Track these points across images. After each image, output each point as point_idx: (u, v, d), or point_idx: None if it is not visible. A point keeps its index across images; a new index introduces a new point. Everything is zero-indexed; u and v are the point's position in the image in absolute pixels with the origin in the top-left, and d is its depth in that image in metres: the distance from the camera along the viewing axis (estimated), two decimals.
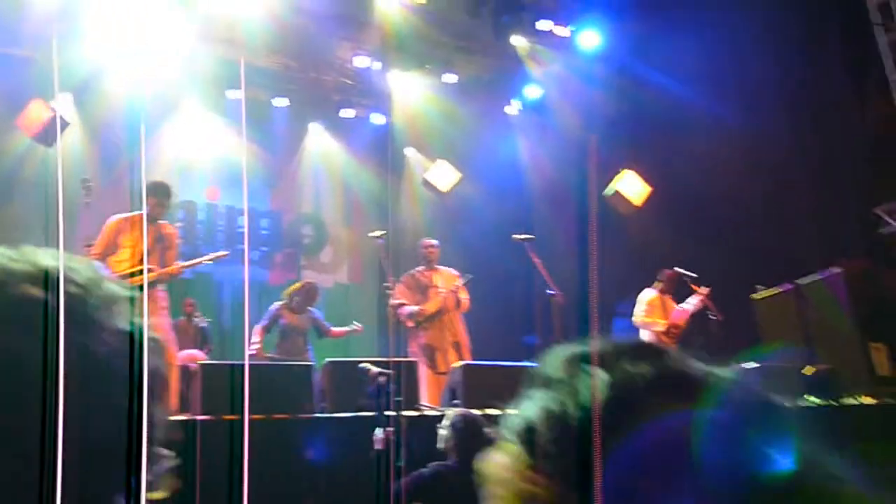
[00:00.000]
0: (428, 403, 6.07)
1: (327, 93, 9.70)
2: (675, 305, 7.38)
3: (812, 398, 5.26)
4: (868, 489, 0.55)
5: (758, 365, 5.24)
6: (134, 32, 7.55)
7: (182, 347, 6.97)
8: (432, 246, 7.18)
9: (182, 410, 5.00)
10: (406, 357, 6.66)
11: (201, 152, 9.05)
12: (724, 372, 0.60)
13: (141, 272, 5.29)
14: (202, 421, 4.52)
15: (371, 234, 6.93)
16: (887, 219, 7.90)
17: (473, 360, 6.54)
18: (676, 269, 7.30)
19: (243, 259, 9.11)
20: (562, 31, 8.94)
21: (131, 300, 0.55)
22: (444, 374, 6.55)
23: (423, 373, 6.60)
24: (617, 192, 8.02)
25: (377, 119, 10.00)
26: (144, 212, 5.69)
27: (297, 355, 6.94)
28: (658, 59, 8.18)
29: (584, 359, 0.60)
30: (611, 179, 8.04)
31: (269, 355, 7.03)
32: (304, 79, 9.40)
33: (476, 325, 7.29)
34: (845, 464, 0.56)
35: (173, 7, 7.65)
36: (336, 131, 10.00)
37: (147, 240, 5.62)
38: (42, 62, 7.33)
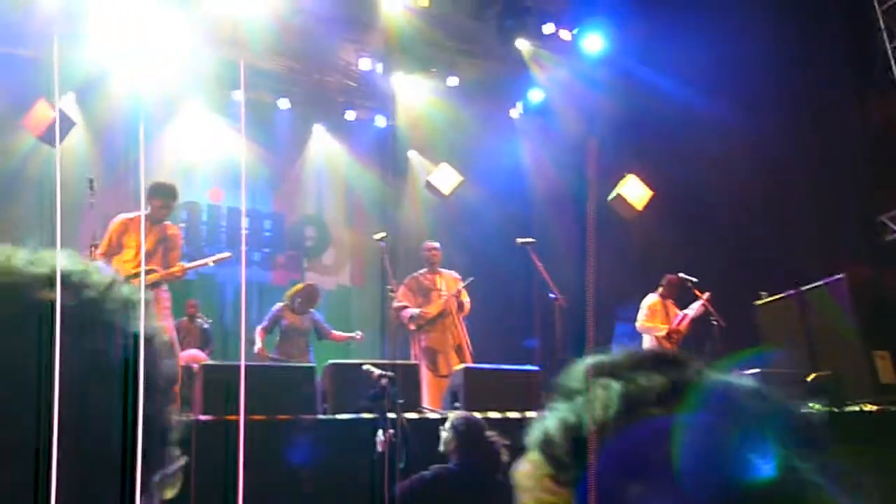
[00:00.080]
0: (429, 406, 6.07)
1: (331, 95, 9.72)
2: (677, 310, 7.37)
3: (815, 405, 5.25)
4: (847, 498, 0.55)
5: (759, 371, 5.23)
6: (138, 33, 7.57)
7: (184, 348, 6.98)
8: (435, 249, 7.18)
9: (183, 411, 5.00)
10: (408, 360, 6.66)
11: (204, 153, 9.07)
12: (743, 382, 0.60)
13: (147, 272, 5.30)
14: (203, 421, 4.53)
15: (374, 237, 6.93)
16: (892, 226, 7.89)
17: (475, 363, 6.54)
18: (679, 273, 7.29)
19: (247, 260, 9.10)
20: (565, 34, 8.95)
21: (145, 304, 0.56)
22: (445, 377, 6.55)
23: (425, 376, 6.60)
24: (619, 196, 8.02)
25: (380, 121, 10.01)
26: (143, 212, 5.69)
27: (297, 357, 6.94)
28: (661, 63, 8.18)
29: (603, 370, 0.60)
30: (614, 184, 8.03)
31: (270, 356, 7.03)
32: (308, 81, 9.42)
33: (478, 329, 7.29)
34: (834, 473, 0.55)
35: (177, 8, 7.67)
36: (339, 133, 10.01)
37: (151, 240, 5.62)
38: (47, 62, 7.35)
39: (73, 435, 0.47)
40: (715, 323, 6.93)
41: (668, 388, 0.57)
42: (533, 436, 0.61)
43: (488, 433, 4.22)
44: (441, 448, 4.24)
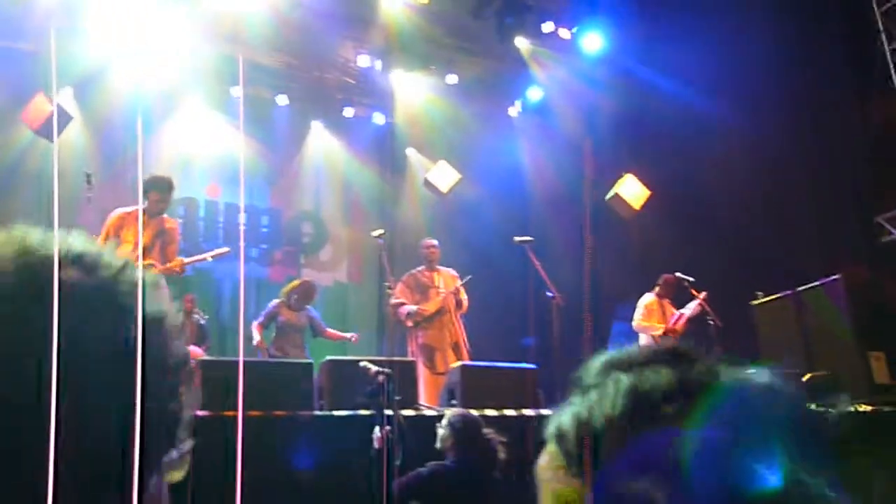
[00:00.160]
0: (426, 403, 6.08)
1: (330, 91, 9.71)
2: (673, 310, 7.38)
3: (810, 405, 5.25)
4: None
5: (755, 371, 5.23)
6: (137, 28, 7.56)
7: None
8: (433, 246, 7.18)
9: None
10: (405, 357, 6.66)
11: (203, 149, 9.06)
12: (757, 379, 0.60)
13: (145, 267, 5.29)
14: (200, 417, 4.53)
15: (372, 234, 6.94)
16: (889, 227, 7.91)
17: (472, 360, 6.55)
18: (676, 273, 7.31)
19: (244, 256, 9.11)
20: (565, 33, 8.95)
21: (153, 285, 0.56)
22: (442, 374, 6.56)
23: (422, 373, 6.61)
24: (617, 196, 8.03)
25: (379, 119, 10.01)
26: (140, 207, 5.68)
27: (293, 353, 6.95)
28: (660, 63, 8.19)
29: (616, 365, 0.61)
30: (612, 183, 8.04)
31: (269, 348, 7.04)
32: (307, 77, 9.41)
33: (475, 326, 7.30)
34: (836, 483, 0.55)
35: (176, 3, 7.66)
36: (338, 130, 10.00)
37: (148, 234, 5.61)
38: (46, 56, 7.34)
39: (88, 412, 0.47)
40: (711, 322, 6.95)
41: (675, 386, 0.58)
42: (550, 429, 0.62)
43: (485, 430, 4.23)
44: (438, 445, 4.25)
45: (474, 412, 4.53)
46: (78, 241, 0.54)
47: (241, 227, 9.83)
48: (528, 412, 5.56)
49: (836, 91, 7.65)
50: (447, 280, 7.12)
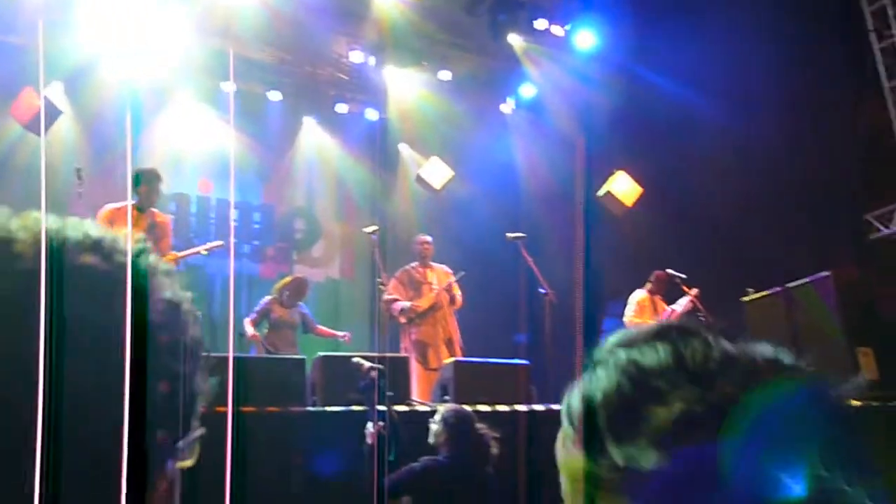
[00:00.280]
0: (419, 399, 6.09)
1: (322, 87, 9.68)
2: (665, 306, 7.42)
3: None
4: None
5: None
6: (127, 22, 7.52)
7: None
8: (427, 242, 7.19)
9: None
10: (397, 353, 6.67)
11: (195, 144, 9.02)
12: (760, 351, 0.61)
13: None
14: None
15: (365, 230, 6.94)
16: (878, 225, 7.97)
17: (465, 356, 6.56)
18: (667, 269, 7.34)
19: (236, 252, 9.08)
20: (558, 30, 8.95)
21: (167, 273, 0.57)
22: (435, 370, 6.58)
23: (415, 369, 6.62)
24: (609, 193, 8.06)
25: (372, 115, 9.99)
26: (129, 202, 5.66)
27: (285, 350, 6.94)
28: (653, 60, 8.21)
29: (623, 342, 0.62)
30: (605, 180, 8.07)
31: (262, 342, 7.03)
32: (299, 73, 9.38)
33: (468, 323, 7.31)
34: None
35: None
36: (330, 126, 9.98)
37: (139, 229, 5.60)
38: (35, 50, 7.29)
39: (122, 392, 0.48)
40: (702, 319, 6.99)
41: (671, 361, 0.59)
42: (562, 407, 0.64)
43: (478, 426, 4.25)
44: (431, 440, 4.26)
45: (467, 408, 4.54)
46: (94, 228, 0.55)
47: (232, 224, 9.81)
48: (520, 408, 5.58)
49: (828, 90, 7.69)
50: (440, 276, 7.13)
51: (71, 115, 8.17)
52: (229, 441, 0.58)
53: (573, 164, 8.31)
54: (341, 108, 9.85)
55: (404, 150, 10.11)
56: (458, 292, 7.07)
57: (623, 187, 8.05)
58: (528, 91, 9.75)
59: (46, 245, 0.51)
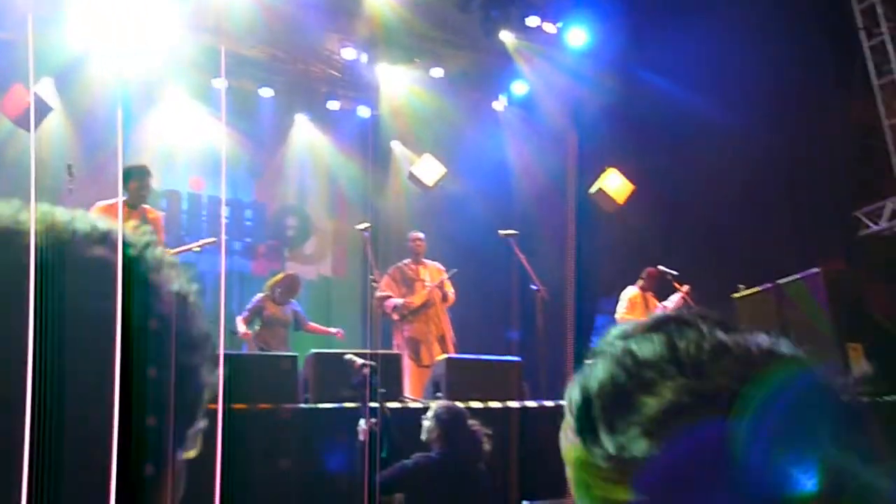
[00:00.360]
0: (411, 396, 6.10)
1: (314, 84, 9.67)
2: (656, 303, 7.45)
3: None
4: None
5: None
6: (119, 18, 7.48)
7: None
8: (419, 239, 7.19)
9: None
10: (389, 349, 6.67)
11: (186, 141, 8.99)
12: (757, 340, 0.62)
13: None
14: None
15: (357, 227, 6.93)
16: (867, 221, 8.02)
17: (457, 353, 6.57)
18: (659, 266, 7.37)
19: (227, 249, 9.05)
20: (550, 27, 8.97)
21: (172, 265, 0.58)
22: (427, 367, 6.58)
23: (407, 365, 6.63)
24: (600, 190, 8.08)
25: (364, 112, 9.98)
26: (120, 199, 5.64)
27: (277, 347, 6.93)
28: (645, 58, 8.23)
29: (623, 334, 0.63)
30: (597, 177, 8.09)
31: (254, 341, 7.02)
32: (292, 70, 9.35)
33: (460, 319, 7.32)
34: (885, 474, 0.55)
35: None
36: (322, 123, 9.96)
37: (131, 225, 5.56)
38: (25, 46, 7.24)
39: (130, 386, 0.49)
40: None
41: (665, 352, 0.60)
42: (565, 395, 0.65)
43: (470, 422, 4.26)
44: (423, 437, 4.27)
45: (459, 404, 4.55)
46: (102, 221, 0.55)
47: (223, 221, 9.78)
48: (512, 404, 5.59)
49: (817, 87, 7.74)
50: (433, 273, 7.13)
51: (62, 112, 8.13)
52: (219, 438, 0.59)
53: (565, 161, 8.34)
54: (333, 105, 9.84)
55: (396, 147, 10.11)
56: (450, 289, 7.08)
57: (615, 184, 8.07)
58: (520, 88, 9.76)
59: (55, 237, 0.52)
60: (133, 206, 5.64)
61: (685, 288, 7.18)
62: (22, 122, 7.02)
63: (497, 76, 9.74)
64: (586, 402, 0.61)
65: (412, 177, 8.77)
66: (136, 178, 5.61)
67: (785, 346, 0.62)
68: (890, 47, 7.72)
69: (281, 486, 4.81)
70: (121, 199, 5.64)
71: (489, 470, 4.29)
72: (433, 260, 7.28)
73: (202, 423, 0.57)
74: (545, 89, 9.38)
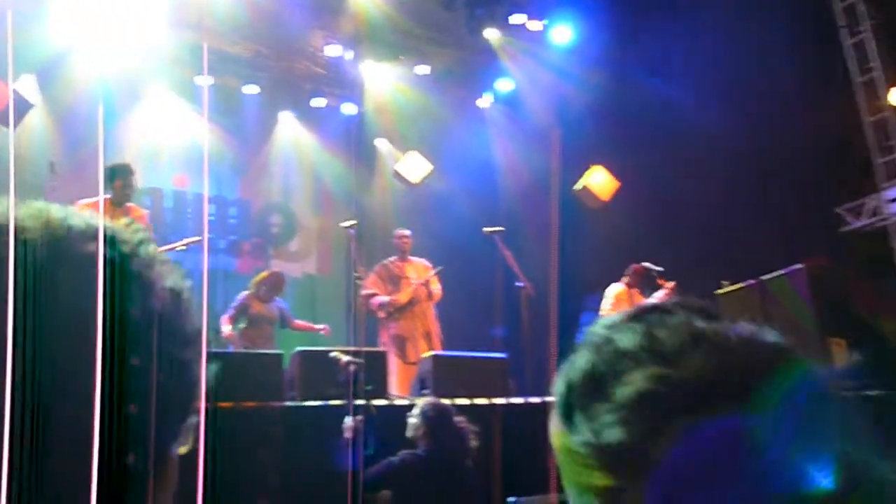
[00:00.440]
0: (397, 393, 6.10)
1: (299, 81, 9.63)
2: (642, 299, 7.48)
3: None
4: None
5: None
6: (101, 14, 7.41)
7: None
8: (405, 236, 7.19)
9: None
10: (375, 347, 6.67)
11: (170, 138, 8.93)
12: (739, 331, 0.62)
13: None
14: None
15: (342, 224, 6.91)
16: (848, 218, 8.10)
17: (443, 350, 6.57)
18: (644, 263, 7.41)
19: (212, 247, 9.00)
20: (535, 25, 8.98)
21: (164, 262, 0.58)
22: (414, 364, 6.58)
23: (394, 363, 6.62)
24: (585, 188, 8.11)
25: (348, 109, 9.95)
26: (101, 197, 5.59)
27: (263, 345, 6.90)
28: (630, 55, 8.27)
29: (608, 325, 0.64)
30: (582, 174, 8.11)
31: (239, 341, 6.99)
32: (276, 66, 9.31)
33: (446, 316, 7.32)
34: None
35: None
36: (307, 120, 9.92)
37: (122, 223, 5.52)
38: (3, 42, 7.15)
39: (126, 383, 0.49)
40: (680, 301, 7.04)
41: (643, 341, 0.60)
42: (555, 384, 0.67)
43: (456, 419, 4.26)
44: (409, 434, 4.27)
45: (446, 401, 4.55)
46: (95, 218, 0.56)
47: (206, 218, 9.73)
48: (498, 401, 5.60)
49: (800, 84, 7.80)
50: (419, 270, 7.13)
51: (43, 108, 8.04)
52: (202, 435, 0.59)
53: (550, 157, 8.35)
54: (318, 102, 9.80)
55: (381, 144, 10.09)
56: (436, 286, 7.07)
57: (600, 181, 8.10)
58: (505, 85, 9.77)
59: (51, 234, 0.52)
60: (118, 204, 5.60)
61: (670, 284, 7.22)
62: (1, 118, 6.94)
63: (482, 73, 9.75)
64: (567, 389, 0.63)
65: (397, 174, 8.76)
66: (119, 176, 5.57)
67: (770, 335, 0.63)
68: (871, 45, 7.79)
69: (266, 484, 4.79)
70: (103, 197, 5.58)
71: (475, 466, 4.30)
72: (419, 257, 7.28)
73: (195, 418, 0.57)
74: (530, 87, 9.40)
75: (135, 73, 8.26)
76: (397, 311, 6.95)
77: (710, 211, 7.94)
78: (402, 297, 6.96)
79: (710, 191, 7.95)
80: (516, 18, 8.89)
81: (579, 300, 7.87)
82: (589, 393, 0.61)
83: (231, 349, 6.87)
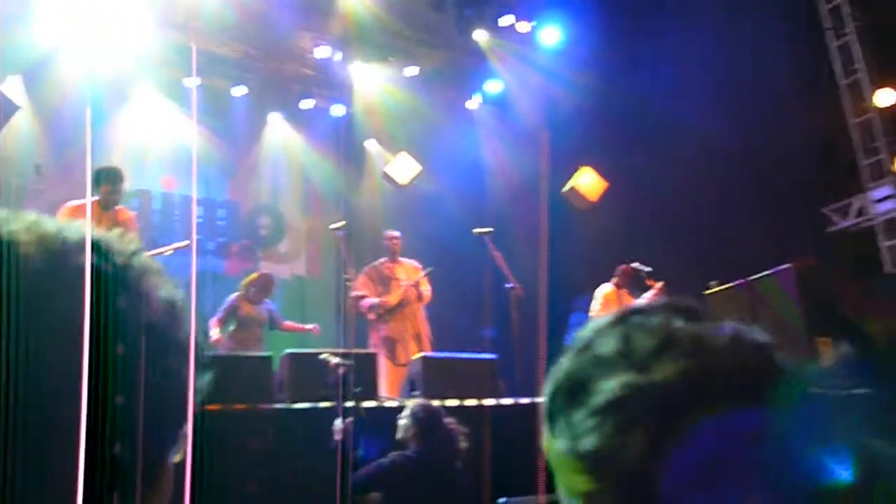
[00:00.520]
0: (387, 395, 6.09)
1: (287, 83, 9.60)
2: (631, 300, 7.50)
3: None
4: None
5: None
6: (88, 15, 7.37)
7: None
8: (395, 238, 7.18)
9: None
10: (365, 349, 6.66)
11: (158, 140, 8.88)
12: (719, 332, 0.63)
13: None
14: None
15: (331, 226, 6.90)
16: (835, 218, 8.17)
17: (433, 351, 6.57)
18: (633, 263, 7.43)
19: (200, 249, 8.96)
20: (524, 26, 9.00)
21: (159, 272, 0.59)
22: (404, 365, 6.58)
23: (383, 364, 6.61)
24: (573, 189, 8.13)
25: (337, 110, 9.93)
26: (88, 199, 5.56)
27: (253, 347, 6.88)
28: (618, 57, 8.29)
29: (591, 329, 0.65)
30: (571, 175, 8.13)
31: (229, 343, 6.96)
32: (264, 68, 9.28)
33: (435, 318, 7.32)
34: None
35: None
36: (296, 122, 9.90)
37: (103, 229, 5.48)
38: None
39: (119, 394, 0.49)
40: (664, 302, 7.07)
41: (619, 346, 0.61)
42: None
43: (446, 420, 4.26)
44: (399, 435, 4.26)
45: (435, 402, 4.55)
46: (91, 230, 0.56)
47: (194, 220, 9.69)
48: (488, 402, 5.61)
49: (786, 85, 7.85)
50: (409, 271, 7.13)
51: (29, 110, 7.99)
52: (190, 439, 0.59)
53: (539, 159, 8.37)
54: (307, 103, 9.78)
55: (371, 145, 10.08)
56: (426, 288, 7.07)
57: (588, 182, 8.12)
58: (494, 87, 9.78)
59: (46, 246, 0.52)
60: (105, 207, 5.56)
61: (659, 285, 7.25)
62: None
63: (471, 75, 9.76)
64: (552, 395, 0.64)
65: (386, 176, 8.75)
66: (106, 181, 5.52)
67: (756, 334, 0.63)
68: (856, 47, 7.86)
69: (255, 487, 4.78)
70: (90, 199, 5.55)
71: (466, 468, 4.29)
72: (410, 258, 7.27)
73: (185, 427, 0.58)
74: (519, 88, 9.42)
75: (122, 75, 8.22)
76: (387, 313, 6.95)
77: (697, 212, 7.98)
78: (392, 298, 6.96)
79: (697, 192, 7.98)
80: (505, 20, 8.91)
81: (569, 301, 7.89)
82: (569, 399, 0.62)
83: (220, 352, 6.84)
